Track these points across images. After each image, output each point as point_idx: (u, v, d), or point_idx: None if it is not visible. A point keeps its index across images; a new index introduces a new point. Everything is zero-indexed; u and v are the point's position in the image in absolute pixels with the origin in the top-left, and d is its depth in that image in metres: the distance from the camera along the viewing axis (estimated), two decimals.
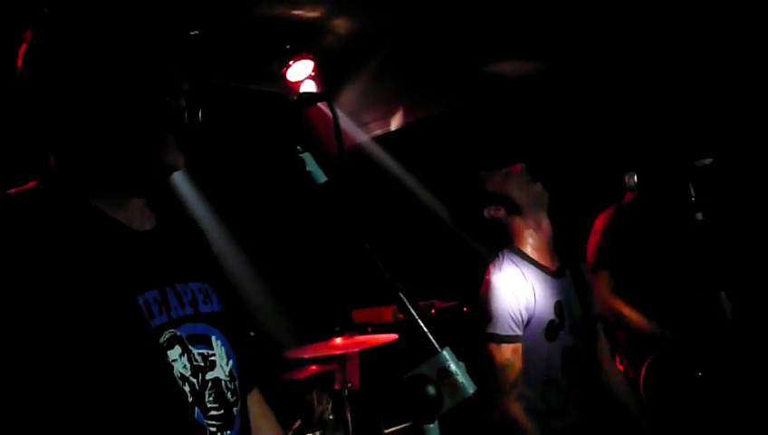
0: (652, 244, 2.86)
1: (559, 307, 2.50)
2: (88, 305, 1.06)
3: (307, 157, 1.10)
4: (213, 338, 1.27)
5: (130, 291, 1.15)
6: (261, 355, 3.68)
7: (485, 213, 2.61)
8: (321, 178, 1.10)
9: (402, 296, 1.06)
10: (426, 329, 1.05)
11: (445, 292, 4.46)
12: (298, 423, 3.65)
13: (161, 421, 1.11)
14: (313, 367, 3.74)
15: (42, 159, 1.23)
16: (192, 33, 3.52)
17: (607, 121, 3.64)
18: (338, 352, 3.42)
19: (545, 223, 2.59)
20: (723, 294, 2.04)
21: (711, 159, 1.98)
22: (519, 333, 2.41)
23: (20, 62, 1.21)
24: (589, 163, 3.66)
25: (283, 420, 3.62)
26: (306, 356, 3.46)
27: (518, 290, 2.43)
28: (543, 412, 2.45)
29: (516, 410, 2.36)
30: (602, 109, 3.70)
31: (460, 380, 1.02)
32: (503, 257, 2.53)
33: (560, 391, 2.48)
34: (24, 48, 1.21)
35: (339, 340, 3.41)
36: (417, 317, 1.05)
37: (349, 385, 3.53)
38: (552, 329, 2.47)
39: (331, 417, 3.60)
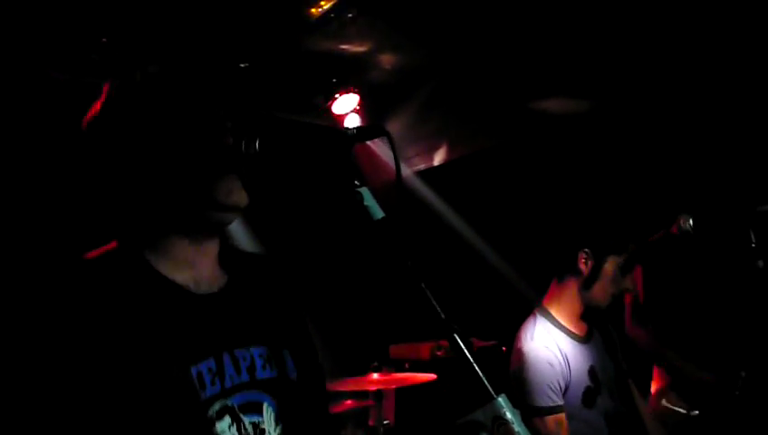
0: (709, 290, 2.78)
1: (592, 372, 2.47)
2: (140, 375, 1.08)
3: (365, 191, 1.08)
4: (264, 404, 1.25)
5: (185, 361, 1.14)
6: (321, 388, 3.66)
7: (580, 254, 2.54)
8: (379, 213, 1.08)
9: (457, 338, 1.03)
10: (481, 374, 1.01)
11: (484, 330, 4.38)
12: None
13: None
14: (349, 401, 3.69)
15: (122, 218, 1.25)
16: (242, 65, 3.60)
17: (659, 162, 3.56)
18: (375, 388, 3.38)
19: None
20: None
21: None
22: (560, 402, 2.37)
23: (89, 115, 1.24)
24: (640, 206, 3.58)
25: None
26: (342, 390, 3.42)
27: (553, 359, 2.40)
28: None
29: None
30: (654, 149, 3.63)
31: (516, 429, 0.98)
32: (534, 323, 2.51)
33: None
34: (98, 105, 1.24)
35: (376, 375, 3.37)
36: (472, 361, 1.01)
37: (385, 422, 3.48)
38: (589, 395, 2.43)
39: None
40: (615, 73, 3.66)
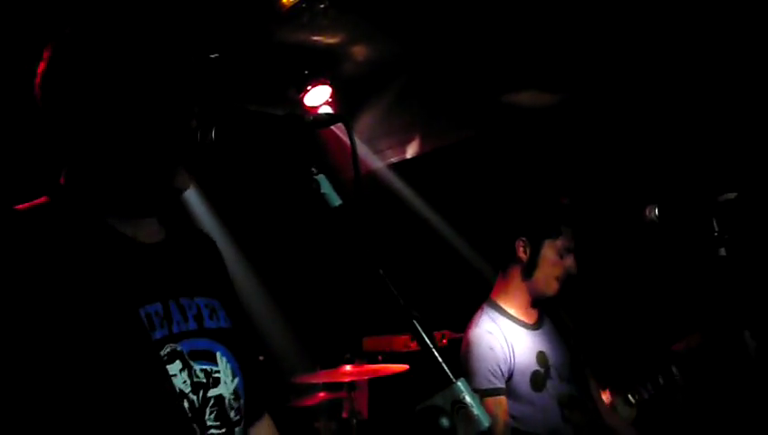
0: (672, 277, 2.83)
1: (541, 357, 2.51)
2: (89, 316, 1.05)
3: (322, 179, 1.08)
4: (218, 354, 1.24)
5: (132, 303, 1.13)
6: (269, 380, 3.66)
7: (517, 242, 2.59)
8: (336, 201, 1.08)
9: (417, 324, 1.03)
10: (440, 359, 1.02)
11: (457, 322, 4.40)
12: None
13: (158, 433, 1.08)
14: (322, 394, 3.70)
15: (52, 174, 1.24)
16: (212, 55, 3.56)
17: (626, 154, 3.60)
18: (347, 380, 3.38)
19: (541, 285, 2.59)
20: (747, 332, 1.99)
21: (735, 194, 1.95)
22: (499, 385, 2.41)
23: (38, 80, 1.21)
24: (607, 196, 3.62)
25: None
26: (315, 382, 3.42)
27: (494, 343, 2.44)
28: None
29: None
30: (621, 141, 3.67)
31: (475, 412, 0.99)
32: (481, 313, 2.57)
33: None
34: (42, 66, 1.21)
35: (349, 367, 3.37)
36: (431, 346, 1.02)
37: (358, 413, 3.48)
38: (537, 379, 2.47)
39: None
40: (582, 67, 3.69)
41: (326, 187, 1.07)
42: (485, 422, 1.00)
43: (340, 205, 1.07)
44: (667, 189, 2.61)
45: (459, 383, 1.01)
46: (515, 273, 2.60)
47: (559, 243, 2.55)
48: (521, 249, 2.57)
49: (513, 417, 2.42)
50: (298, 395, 3.74)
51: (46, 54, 1.20)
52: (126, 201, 1.23)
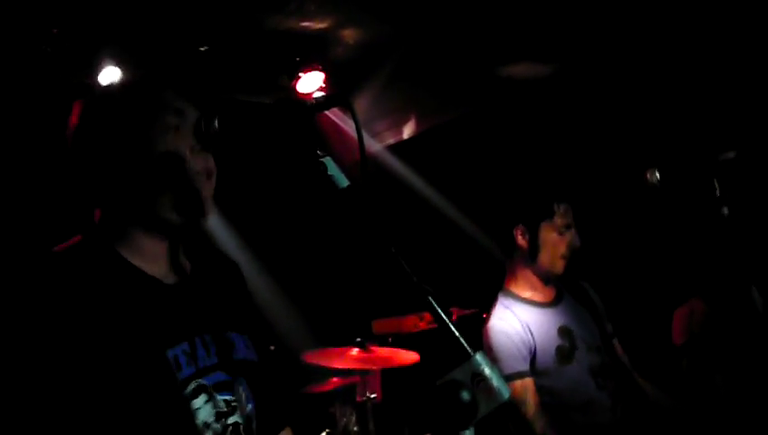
0: (677, 239, 2.83)
1: (564, 331, 2.53)
2: (119, 360, 1.16)
3: (328, 161, 1.08)
4: (235, 384, 1.35)
5: (161, 345, 1.23)
6: (282, 368, 3.67)
7: (515, 231, 2.61)
8: (343, 182, 1.08)
9: (431, 300, 1.03)
10: (457, 333, 1.02)
11: (464, 299, 4.42)
12: None
13: None
14: (335, 379, 3.70)
15: (87, 212, 1.35)
16: (201, 48, 3.54)
17: (622, 120, 3.60)
18: (359, 368, 3.39)
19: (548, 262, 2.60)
20: (754, 288, 2.00)
21: (734, 153, 1.94)
22: (522, 368, 2.43)
23: (70, 131, 1.34)
24: (608, 162, 3.61)
25: (308, 434, 3.59)
26: (325, 364, 3.43)
27: (509, 329, 2.47)
28: (591, 428, 2.43)
29: None
30: (619, 107, 3.65)
31: (495, 384, 0.99)
32: (496, 304, 2.60)
33: (604, 407, 2.46)
34: (74, 120, 1.34)
35: (357, 351, 3.38)
36: (447, 321, 1.02)
37: (372, 396, 3.50)
38: (562, 353, 2.49)
39: (355, 429, 3.55)
40: (575, 35, 3.67)
41: (333, 169, 1.07)
42: (506, 394, 1.00)
43: (347, 186, 1.07)
44: (667, 152, 2.61)
45: (478, 356, 1.01)
46: (520, 259, 2.63)
47: (556, 222, 2.56)
48: (519, 237, 2.60)
49: (547, 394, 2.44)
50: (311, 381, 3.75)
51: (77, 109, 1.34)
52: (153, 222, 1.32)
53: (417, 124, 4.93)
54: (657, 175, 2.03)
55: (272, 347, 3.71)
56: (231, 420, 1.31)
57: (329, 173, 1.06)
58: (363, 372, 3.53)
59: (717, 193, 1.96)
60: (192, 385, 1.26)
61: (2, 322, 1.16)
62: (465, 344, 1.02)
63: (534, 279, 2.62)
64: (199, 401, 1.26)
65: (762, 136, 2.89)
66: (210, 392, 1.28)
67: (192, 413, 1.23)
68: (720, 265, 2.60)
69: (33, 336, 1.14)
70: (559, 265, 2.58)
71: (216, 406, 1.28)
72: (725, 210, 1.94)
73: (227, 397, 1.32)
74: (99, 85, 1.35)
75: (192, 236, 1.38)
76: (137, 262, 1.31)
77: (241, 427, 1.33)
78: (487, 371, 1.00)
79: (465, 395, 0.99)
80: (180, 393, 1.22)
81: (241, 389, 1.36)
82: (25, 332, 1.15)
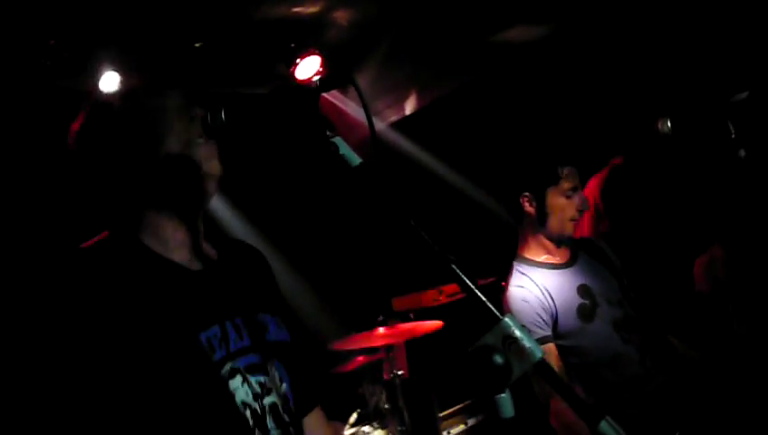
0: (691, 186, 2.81)
1: (583, 289, 2.54)
2: (155, 346, 1.18)
3: (339, 141, 1.07)
4: (268, 366, 1.37)
5: (193, 329, 1.26)
6: (308, 352, 3.70)
7: (522, 199, 2.61)
8: (356, 160, 1.07)
9: (455, 268, 1.03)
10: (484, 298, 1.02)
11: (481, 268, 4.41)
12: (355, 416, 3.64)
13: None
14: (360, 358, 3.73)
15: (111, 209, 1.37)
16: (196, 45, 3.52)
17: (628, 71, 3.55)
18: (384, 343, 3.41)
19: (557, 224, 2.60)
20: None
21: (747, 92, 1.91)
22: (544, 333, 2.44)
23: (73, 135, 1.37)
24: (616, 117, 3.57)
25: (339, 415, 3.63)
26: (352, 347, 3.45)
27: (527, 295, 2.48)
28: (620, 385, 2.44)
29: (566, 409, 2.29)
30: (620, 60, 3.60)
31: (527, 344, 0.99)
32: (512, 271, 2.61)
33: (632, 361, 2.46)
34: (77, 126, 1.37)
35: (383, 329, 3.40)
36: (473, 288, 1.02)
37: (399, 373, 3.52)
38: (584, 311, 2.50)
39: (385, 406, 3.58)
40: None
41: (344, 148, 1.07)
42: (539, 353, 1.01)
43: (360, 163, 1.06)
44: (676, 99, 2.57)
45: (507, 319, 1.01)
46: (529, 225, 2.64)
47: (562, 186, 2.56)
48: (527, 204, 2.60)
49: (573, 354, 2.45)
50: (337, 362, 3.78)
51: (82, 115, 1.37)
52: (173, 207, 1.35)
53: (419, 99, 4.90)
54: (669, 124, 2.01)
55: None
56: (267, 400, 1.33)
57: (341, 153, 1.06)
58: (389, 349, 3.56)
59: (732, 135, 1.93)
60: (227, 367, 1.28)
61: (38, 319, 1.19)
62: (493, 308, 1.02)
63: (547, 243, 2.63)
64: (235, 383, 1.28)
65: None
66: (244, 374, 1.30)
67: (231, 393, 1.25)
68: (740, 209, 2.58)
69: (70, 330, 1.16)
70: (569, 228, 2.59)
71: (251, 387, 1.31)
72: (742, 152, 1.92)
73: (261, 378, 1.34)
74: (101, 92, 1.37)
75: (205, 220, 1.40)
76: (161, 251, 1.33)
77: (279, 407, 1.35)
78: (518, 332, 1.01)
79: (499, 358, 0.99)
80: (217, 374, 1.24)
81: (274, 369, 1.38)
82: (62, 327, 1.17)
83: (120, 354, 1.16)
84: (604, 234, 3.01)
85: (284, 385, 1.40)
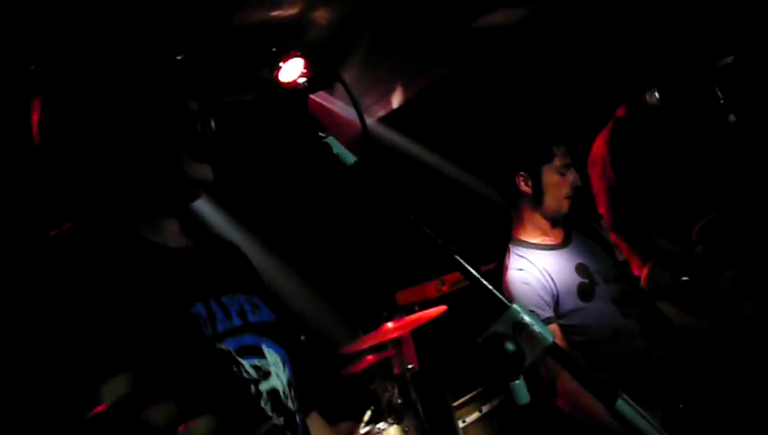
0: (684, 155, 2.81)
1: (581, 268, 2.56)
2: (146, 321, 1.08)
3: (332, 140, 1.06)
4: (263, 347, 1.26)
5: (180, 303, 1.17)
6: (317, 356, 3.70)
7: (518, 178, 2.61)
8: (350, 159, 1.07)
9: (459, 259, 1.02)
10: (490, 287, 1.02)
11: (481, 255, 4.42)
12: (369, 413, 3.64)
13: (233, 417, 1.11)
14: (370, 357, 3.73)
15: (70, 203, 1.27)
16: (178, 57, 3.50)
17: (611, 46, 3.54)
18: (392, 337, 3.41)
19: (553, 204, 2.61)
20: None
21: (732, 57, 1.91)
22: (547, 315, 2.44)
23: (36, 129, 1.26)
24: (603, 94, 3.57)
25: (353, 414, 3.63)
26: (362, 348, 3.45)
27: (528, 278, 2.49)
28: (623, 359, 2.45)
29: (574, 389, 2.32)
30: (602, 35, 3.60)
31: (537, 330, 0.99)
32: (509, 255, 2.62)
33: (634, 334, 2.49)
34: (36, 117, 1.26)
35: (390, 324, 3.40)
36: (478, 277, 1.02)
37: (409, 366, 3.53)
38: (584, 290, 2.51)
39: (399, 401, 3.59)
40: None
41: (337, 147, 1.06)
42: (549, 337, 1.00)
43: (355, 162, 1.06)
44: (662, 70, 2.57)
45: (515, 306, 1.01)
46: (525, 206, 2.65)
47: (556, 163, 2.57)
48: (522, 184, 2.61)
49: (575, 333, 2.47)
50: (347, 364, 3.78)
51: (37, 103, 1.25)
52: (151, 202, 1.27)
53: (405, 91, 4.90)
54: (657, 95, 2.01)
55: (302, 337, 3.74)
56: (265, 386, 1.22)
57: (334, 152, 1.05)
58: (397, 344, 3.56)
59: (721, 100, 1.93)
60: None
61: (19, 307, 1.07)
62: (501, 296, 1.02)
63: (543, 223, 2.64)
64: None
65: (759, 34, 2.83)
66: (233, 358, 1.19)
67: (230, 365, 1.15)
68: (735, 174, 2.59)
69: (55, 316, 1.05)
70: (564, 206, 2.61)
71: (242, 372, 1.19)
72: (732, 117, 1.92)
73: (255, 361, 1.22)
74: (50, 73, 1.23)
75: (193, 198, 1.32)
76: (141, 231, 1.26)
77: (281, 393, 1.25)
78: (527, 318, 1.00)
79: (510, 346, 0.99)
80: (213, 346, 1.15)
81: (272, 351, 1.28)
82: (46, 313, 1.06)
83: (108, 332, 1.05)
84: (610, 187, 2.99)
85: (288, 371, 1.30)
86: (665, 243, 2.93)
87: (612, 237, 3.05)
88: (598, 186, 3.12)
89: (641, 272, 2.98)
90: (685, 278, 2.84)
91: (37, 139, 1.26)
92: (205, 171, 1.26)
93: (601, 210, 3.10)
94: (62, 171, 1.25)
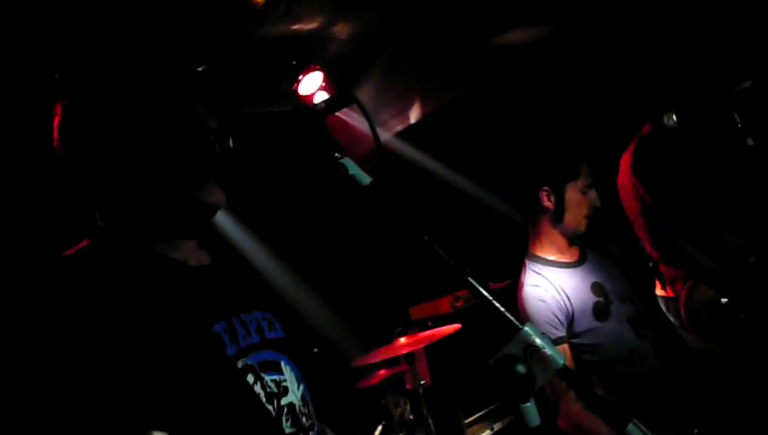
0: (703, 178, 2.80)
1: (597, 287, 2.55)
2: (168, 341, 1.08)
3: (347, 161, 1.08)
4: (282, 364, 1.29)
5: (203, 323, 1.18)
6: (329, 369, 3.71)
7: (541, 193, 2.61)
8: (366, 179, 1.08)
9: (472, 280, 1.03)
10: (502, 309, 1.02)
11: (497, 272, 4.41)
12: (380, 428, 3.63)
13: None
14: (382, 371, 3.72)
15: (88, 219, 1.27)
16: (199, 69, 3.55)
17: (629, 69, 3.55)
18: (404, 352, 3.41)
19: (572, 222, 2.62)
20: None
21: (750, 82, 1.91)
22: (560, 334, 2.44)
23: (56, 135, 1.26)
24: (621, 116, 3.57)
25: (364, 429, 3.63)
26: (374, 361, 3.45)
27: (544, 295, 2.48)
28: (637, 379, 2.44)
29: (576, 410, 2.31)
30: (621, 57, 3.61)
31: (548, 352, 0.99)
32: (525, 271, 2.61)
33: (648, 355, 2.47)
34: (57, 121, 1.25)
35: (403, 340, 3.39)
36: (491, 299, 1.02)
37: (421, 382, 3.52)
38: (599, 309, 2.50)
39: (410, 417, 3.58)
40: None
41: (353, 168, 1.07)
42: (561, 360, 1.00)
43: (370, 183, 1.07)
44: (680, 93, 2.57)
45: (526, 328, 1.01)
46: (545, 221, 2.64)
47: (580, 182, 2.59)
48: (545, 198, 2.61)
49: (590, 352, 2.46)
50: (359, 378, 3.78)
51: (59, 109, 1.25)
52: (166, 225, 1.27)
53: (423, 107, 4.91)
54: (675, 118, 2.01)
55: (315, 350, 3.75)
56: (285, 401, 1.24)
57: (350, 173, 1.07)
58: (410, 359, 3.55)
59: (739, 124, 1.93)
60: (239, 364, 1.20)
61: (29, 328, 1.07)
62: (512, 318, 1.02)
63: (560, 240, 2.64)
64: (249, 380, 1.20)
65: None
66: (257, 373, 1.22)
67: (250, 386, 1.17)
68: (753, 197, 2.58)
69: (72, 338, 1.05)
70: (582, 225, 2.61)
71: (266, 386, 1.22)
72: (750, 141, 1.91)
73: (275, 377, 1.25)
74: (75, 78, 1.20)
75: (205, 229, 1.33)
76: (158, 249, 1.25)
77: (296, 408, 1.27)
78: (538, 341, 1.00)
79: (521, 368, 0.99)
80: (234, 367, 1.17)
81: (289, 368, 1.30)
82: (61, 334, 1.06)
83: (130, 353, 1.05)
84: (644, 208, 2.98)
85: (302, 387, 1.32)
86: (703, 258, 2.91)
87: (654, 257, 3.04)
88: (632, 207, 3.10)
89: (681, 291, 2.95)
90: (724, 300, 2.82)
91: (57, 145, 1.26)
92: (219, 196, 1.26)
93: (638, 232, 3.09)
94: (81, 182, 1.25)
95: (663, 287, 3.07)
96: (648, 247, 3.05)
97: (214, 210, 1.28)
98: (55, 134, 1.26)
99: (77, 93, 1.25)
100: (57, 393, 1.03)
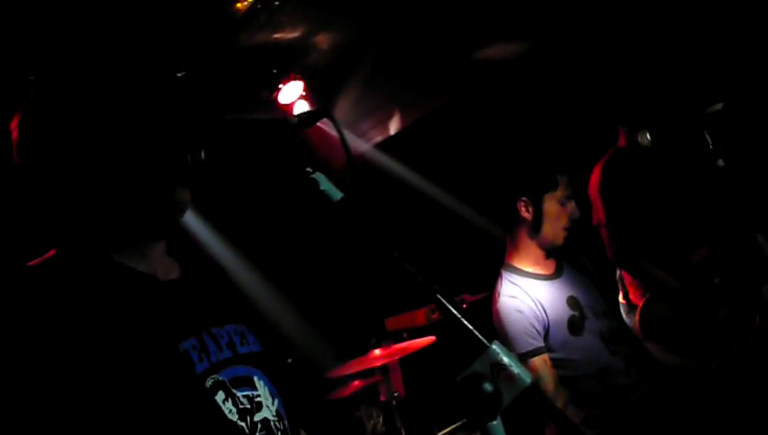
0: (674, 196, 2.84)
1: (572, 301, 2.56)
2: (134, 359, 1.05)
3: (319, 176, 1.08)
4: (255, 378, 1.27)
5: (171, 340, 1.15)
6: (302, 380, 3.68)
7: (519, 203, 2.61)
8: (337, 194, 1.08)
9: (440, 297, 1.03)
10: (470, 326, 1.02)
11: (473, 285, 4.42)
12: None
13: None
14: (356, 382, 3.71)
15: (55, 226, 1.23)
16: (178, 74, 3.53)
17: (604, 86, 3.60)
18: (379, 364, 3.40)
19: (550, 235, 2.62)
20: (759, 235, 2.00)
21: (722, 104, 1.94)
22: (538, 344, 2.44)
23: (15, 145, 1.20)
24: (595, 131, 3.62)
25: None
26: (348, 373, 3.44)
27: (521, 306, 2.48)
28: (606, 397, 2.45)
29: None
30: (599, 73, 3.65)
31: (515, 371, 0.99)
32: (501, 280, 2.60)
33: (618, 372, 2.48)
34: (15, 134, 1.20)
35: (377, 351, 3.39)
36: (459, 316, 1.02)
37: (395, 394, 3.51)
38: (574, 324, 2.51)
39: (383, 429, 3.57)
40: (545, 7, 3.66)
41: (325, 183, 1.07)
42: (527, 379, 1.00)
43: (342, 198, 1.07)
44: (654, 112, 2.60)
45: (494, 346, 1.01)
46: (523, 232, 2.63)
47: (558, 193, 2.57)
48: (523, 209, 2.59)
49: (561, 367, 2.46)
50: (333, 389, 3.77)
51: (16, 122, 1.20)
52: (131, 227, 1.22)
53: (402, 118, 4.93)
54: (648, 136, 2.04)
55: (289, 360, 3.72)
56: (258, 416, 1.22)
57: (321, 188, 1.06)
58: (384, 371, 3.54)
59: (710, 145, 1.96)
60: (209, 381, 1.18)
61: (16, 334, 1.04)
62: (480, 336, 1.02)
63: (537, 252, 2.63)
64: (218, 399, 1.17)
65: (748, 82, 2.88)
66: (228, 389, 1.20)
67: (218, 406, 1.14)
68: (723, 217, 2.62)
69: (30, 356, 1.01)
70: (560, 238, 2.60)
71: (237, 403, 1.20)
72: (721, 162, 1.95)
73: (248, 392, 1.23)
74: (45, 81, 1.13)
75: (174, 230, 1.28)
76: (126, 261, 1.21)
77: (271, 424, 1.24)
78: (505, 359, 1.00)
79: (488, 386, 0.99)
80: (202, 386, 1.14)
81: (262, 383, 1.28)
82: (18, 351, 1.02)
83: (92, 375, 1.02)
84: (608, 220, 3.03)
85: (276, 401, 1.29)
86: (662, 274, 2.95)
87: (617, 266, 3.08)
88: (596, 218, 3.15)
89: (639, 301, 3.00)
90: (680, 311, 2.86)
91: (15, 156, 1.21)
92: (185, 196, 1.22)
93: (605, 241, 3.13)
94: (42, 192, 1.20)
95: (625, 296, 3.12)
96: (609, 258, 3.10)
97: (182, 209, 1.24)
98: (14, 145, 1.21)
99: (46, 96, 1.20)
100: (12, 414, 1.00)
